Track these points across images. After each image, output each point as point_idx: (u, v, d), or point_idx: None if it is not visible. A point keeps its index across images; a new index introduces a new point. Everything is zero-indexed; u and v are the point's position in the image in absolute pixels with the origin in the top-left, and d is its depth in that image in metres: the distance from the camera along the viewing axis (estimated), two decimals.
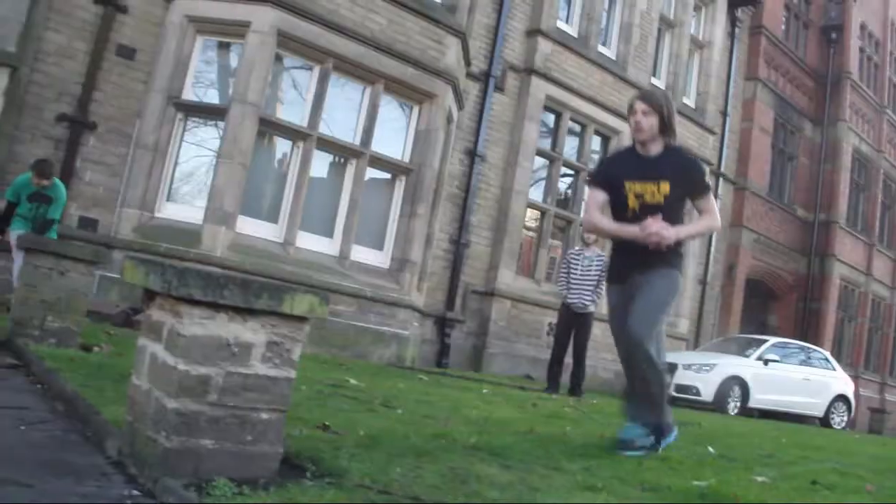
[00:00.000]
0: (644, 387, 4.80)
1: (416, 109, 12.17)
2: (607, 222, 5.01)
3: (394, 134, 12.03)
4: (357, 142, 11.49)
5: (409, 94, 12.03)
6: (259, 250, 10.52)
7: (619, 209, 4.92)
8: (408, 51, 11.72)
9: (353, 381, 7.02)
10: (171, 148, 10.73)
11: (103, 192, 10.59)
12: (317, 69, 11.19)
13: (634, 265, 4.87)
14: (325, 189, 11.50)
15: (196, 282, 2.67)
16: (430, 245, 12.74)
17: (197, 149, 11.12)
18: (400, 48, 11.65)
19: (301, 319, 2.92)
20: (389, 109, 12.04)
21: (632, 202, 4.82)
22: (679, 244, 4.93)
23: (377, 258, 11.79)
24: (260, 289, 2.79)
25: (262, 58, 10.51)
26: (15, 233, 9.00)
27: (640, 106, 4.86)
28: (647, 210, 4.74)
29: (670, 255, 4.83)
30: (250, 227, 10.64)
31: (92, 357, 6.06)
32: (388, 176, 12.12)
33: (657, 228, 4.61)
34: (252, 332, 2.82)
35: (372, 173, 11.82)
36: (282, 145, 11.33)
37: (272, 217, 10.93)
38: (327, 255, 11.14)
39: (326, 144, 11.29)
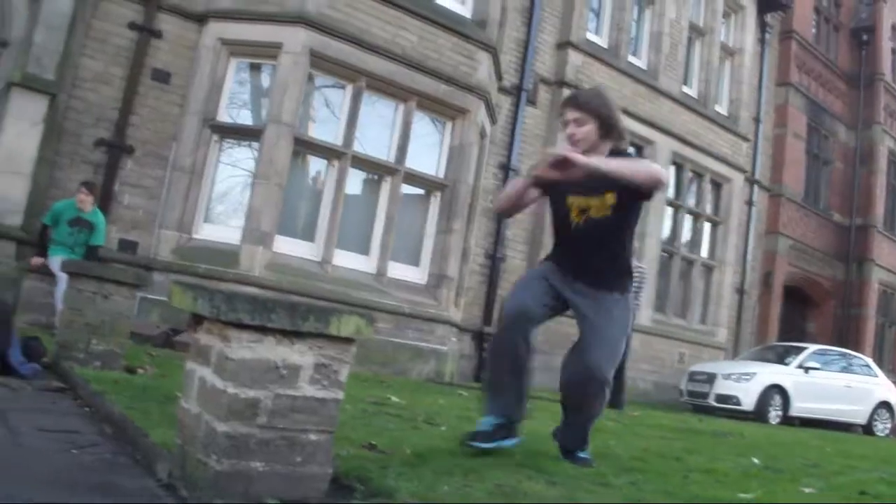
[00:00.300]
0: (588, 408, 4.44)
1: (449, 125, 12.20)
2: (509, 187, 4.73)
3: (427, 150, 12.06)
4: (391, 159, 11.53)
5: (442, 111, 12.06)
6: (296, 269, 10.58)
7: (562, 225, 4.41)
8: (439, 67, 11.75)
9: (394, 399, 7.04)
10: (207, 169, 10.84)
11: (142, 215, 10.72)
12: (349, 88, 11.25)
13: (583, 273, 4.33)
14: (360, 206, 11.55)
15: (244, 306, 2.69)
16: (467, 260, 12.74)
17: (232, 169, 11.22)
18: (432, 65, 11.69)
19: (348, 341, 2.93)
20: (422, 125, 12.07)
21: (575, 216, 4.27)
22: (628, 264, 4.45)
23: (414, 274, 11.82)
24: (307, 311, 2.80)
25: (295, 78, 10.60)
26: (57, 258, 9.12)
27: (571, 114, 4.24)
28: (593, 225, 4.22)
29: (624, 274, 4.41)
30: (287, 247, 10.70)
31: (136, 379, 6.11)
32: (422, 192, 12.15)
33: (566, 153, 3.95)
34: (299, 355, 2.83)
35: (406, 190, 11.85)
36: (316, 164, 11.40)
37: (309, 236, 10.98)
38: (364, 273, 11.18)
39: (361, 162, 11.34)
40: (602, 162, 4.03)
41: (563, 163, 3.92)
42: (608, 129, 4.22)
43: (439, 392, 9.28)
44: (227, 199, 11.30)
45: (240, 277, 10.01)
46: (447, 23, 11.92)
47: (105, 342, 6.50)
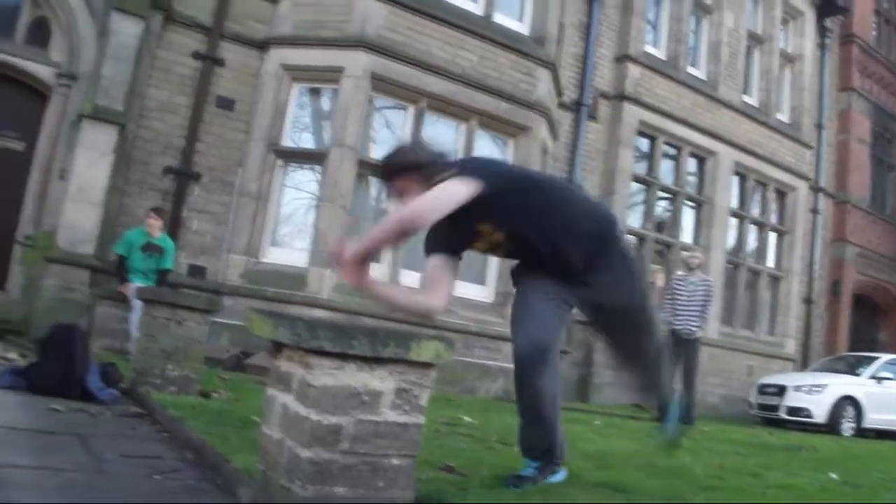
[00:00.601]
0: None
1: (510, 143, 12.23)
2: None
3: None
4: None
5: (503, 128, 12.10)
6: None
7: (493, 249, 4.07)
8: (500, 85, 11.79)
9: (466, 419, 7.05)
10: (273, 194, 11.00)
11: (210, 240, 10.91)
12: (411, 109, 11.35)
13: (560, 273, 3.93)
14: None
15: (325, 333, 2.72)
16: None
17: (296, 192, 11.36)
18: (492, 83, 11.74)
19: (427, 365, 2.95)
20: (484, 144, 12.09)
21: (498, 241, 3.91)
22: (586, 230, 3.93)
23: (480, 293, 11.85)
24: (387, 337, 2.82)
25: (357, 101, 10.71)
26: (132, 284, 9.29)
27: (391, 188, 3.93)
28: (516, 244, 3.92)
29: (592, 243, 3.92)
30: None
31: (211, 404, 6.18)
32: None
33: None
34: (380, 380, 2.86)
35: None
36: (379, 185, 11.47)
37: (374, 257, 11.02)
38: None
39: None
40: (363, 241, 3.65)
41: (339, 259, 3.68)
42: (427, 173, 3.75)
43: (509, 410, 9.20)
44: (291, 222, 11.45)
45: (308, 300, 10.11)
46: (506, 41, 11.97)
47: (180, 367, 6.60)
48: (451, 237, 3.87)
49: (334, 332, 2.75)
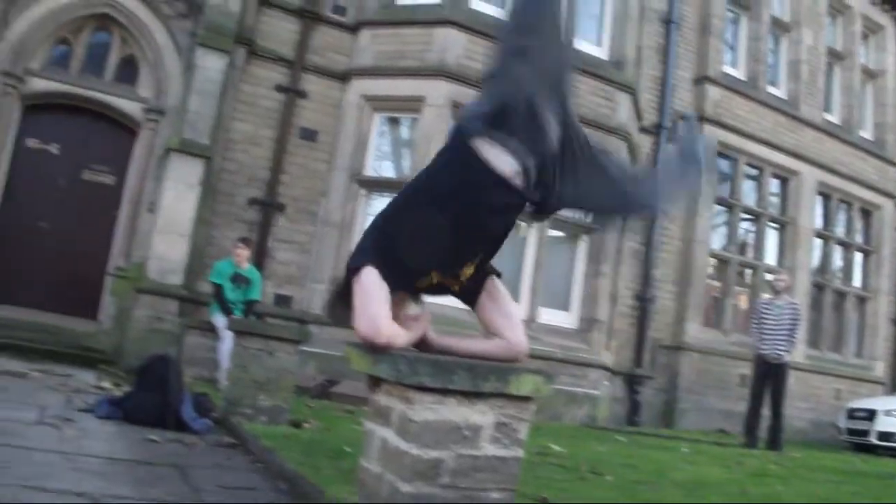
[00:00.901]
0: None
1: None
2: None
3: None
4: None
5: None
6: (450, 318, 10.60)
7: None
8: (579, 111, 11.69)
9: (556, 447, 7.02)
10: (356, 223, 11.08)
11: (295, 270, 11.05)
12: None
13: None
14: (509, 253, 11.57)
15: (426, 369, 2.75)
16: (616, 302, 12.64)
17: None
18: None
19: (526, 399, 2.97)
20: None
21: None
22: None
23: (564, 319, 11.81)
24: (486, 372, 2.85)
25: (438, 130, 10.76)
26: (221, 315, 9.45)
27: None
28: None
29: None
30: (440, 297, 10.78)
31: (303, 434, 6.25)
32: (568, 236, 12.17)
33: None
34: (480, 415, 2.87)
35: (553, 234, 11.89)
36: None
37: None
38: None
39: None
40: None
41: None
42: None
43: (596, 438, 9.23)
44: None
45: None
46: (584, 66, 11.91)
47: (271, 397, 6.68)
48: None
49: (434, 367, 2.77)
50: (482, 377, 2.83)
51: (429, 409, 2.80)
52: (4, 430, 4.75)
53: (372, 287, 3.06)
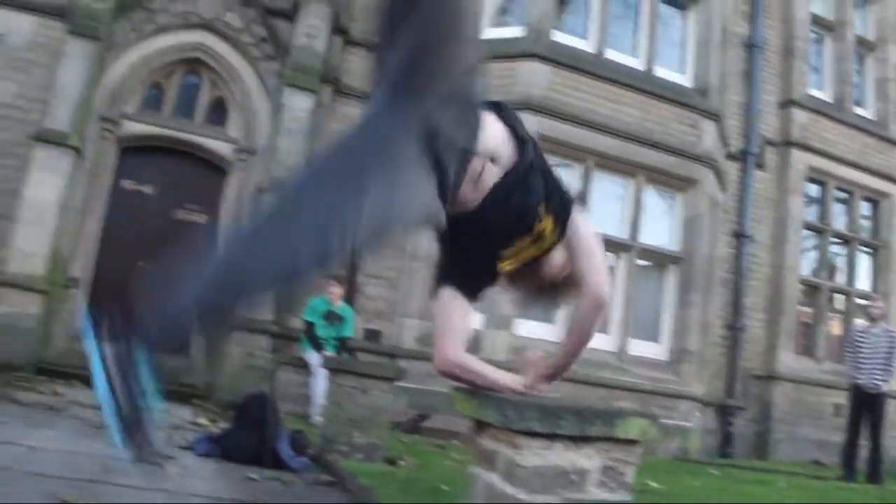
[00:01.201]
0: None
1: (678, 196, 12.12)
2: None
3: (657, 222, 12.01)
4: (625, 235, 11.56)
5: (671, 182, 12.00)
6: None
7: None
8: (665, 139, 11.70)
9: (653, 484, 6.93)
10: None
11: (383, 305, 11.13)
12: (578, 167, 11.39)
13: None
14: None
15: (533, 414, 2.72)
16: (706, 332, 12.47)
17: None
18: (657, 137, 11.66)
19: (633, 442, 2.92)
20: (649, 197, 12.02)
21: None
22: None
23: (654, 350, 11.71)
24: (593, 416, 2.82)
25: None
26: (315, 353, 9.56)
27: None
28: None
29: None
30: (526, 328, 10.80)
31: (399, 471, 6.28)
32: (656, 266, 12.10)
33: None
34: (587, 459, 2.83)
35: (640, 264, 11.82)
36: None
37: (547, 317, 11.06)
38: (605, 351, 11.09)
39: None
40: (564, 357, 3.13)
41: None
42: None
43: (690, 472, 9.10)
44: None
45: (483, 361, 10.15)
46: (668, 94, 11.89)
47: (366, 435, 6.72)
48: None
49: (542, 412, 2.75)
50: (589, 421, 2.80)
51: (536, 455, 2.76)
52: (108, 467, 4.84)
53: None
